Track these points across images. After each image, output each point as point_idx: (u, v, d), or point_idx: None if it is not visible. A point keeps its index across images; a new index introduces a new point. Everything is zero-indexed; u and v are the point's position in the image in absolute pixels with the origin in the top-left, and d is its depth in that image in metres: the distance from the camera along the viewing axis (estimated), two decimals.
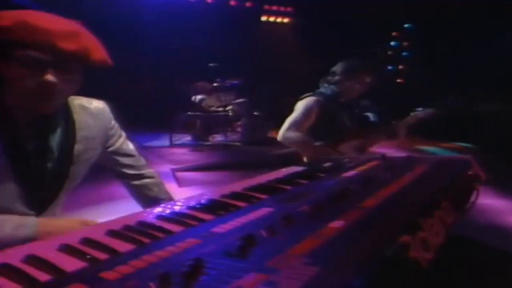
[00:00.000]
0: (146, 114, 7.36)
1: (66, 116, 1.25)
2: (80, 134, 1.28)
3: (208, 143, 7.18)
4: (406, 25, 11.06)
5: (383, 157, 1.57)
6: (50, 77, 1.05)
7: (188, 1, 9.40)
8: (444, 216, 0.85)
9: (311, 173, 1.37)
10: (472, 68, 7.92)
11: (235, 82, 7.44)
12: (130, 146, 1.49)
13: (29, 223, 1.11)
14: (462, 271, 1.09)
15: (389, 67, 11.43)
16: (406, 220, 0.76)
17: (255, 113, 7.27)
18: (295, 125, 2.71)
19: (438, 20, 8.75)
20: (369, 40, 10.54)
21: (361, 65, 2.85)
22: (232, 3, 10.10)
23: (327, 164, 1.51)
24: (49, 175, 1.20)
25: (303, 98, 2.81)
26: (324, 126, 2.74)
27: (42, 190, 1.20)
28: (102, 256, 0.68)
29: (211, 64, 7.12)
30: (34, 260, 0.64)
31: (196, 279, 0.56)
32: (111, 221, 0.92)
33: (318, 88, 2.90)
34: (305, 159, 2.78)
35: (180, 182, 4.88)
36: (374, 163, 1.48)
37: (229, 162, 5.87)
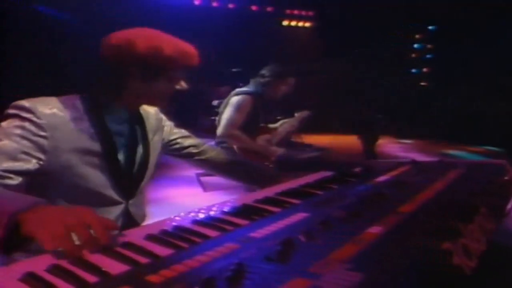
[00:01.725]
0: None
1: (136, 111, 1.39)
2: (147, 123, 1.40)
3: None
4: (430, 27, 10.89)
5: (414, 161, 1.55)
6: (185, 84, 1.33)
7: (210, 6, 9.50)
8: (483, 222, 0.84)
9: (341, 178, 1.36)
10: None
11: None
12: (182, 130, 1.61)
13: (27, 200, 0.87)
14: (499, 279, 1.06)
15: (413, 70, 11.26)
16: (445, 226, 0.75)
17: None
18: (234, 122, 2.95)
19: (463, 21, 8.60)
20: (391, 43, 10.43)
21: (289, 69, 3.21)
22: (254, 8, 10.14)
23: (357, 169, 1.50)
24: (135, 166, 1.32)
25: (237, 94, 3.10)
26: (249, 120, 3.03)
27: (130, 179, 1.31)
28: (143, 260, 0.70)
29: (234, 69, 7.15)
30: (80, 262, 0.66)
31: (239, 283, 0.57)
32: (148, 225, 0.94)
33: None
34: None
35: (205, 187, 4.91)
36: (405, 167, 1.46)
37: None
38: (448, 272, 0.59)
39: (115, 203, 1.26)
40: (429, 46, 11.10)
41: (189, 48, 1.29)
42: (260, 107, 3.14)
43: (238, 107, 3.00)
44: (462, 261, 0.63)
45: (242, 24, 9.32)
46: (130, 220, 1.30)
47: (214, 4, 9.59)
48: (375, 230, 0.75)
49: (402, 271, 0.56)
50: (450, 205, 0.93)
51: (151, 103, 1.36)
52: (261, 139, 3.09)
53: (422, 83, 11.18)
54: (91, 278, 0.61)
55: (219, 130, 3.02)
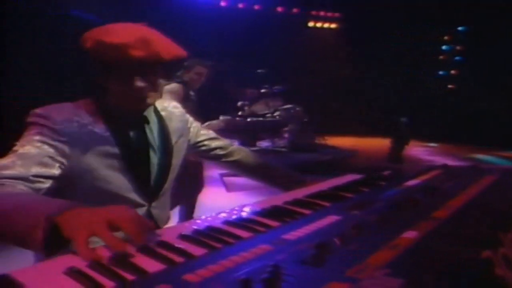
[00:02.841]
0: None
1: (155, 112, 1.37)
2: (171, 125, 1.38)
3: (255, 148, 7.21)
4: (459, 28, 10.65)
5: (445, 166, 1.53)
6: (138, 83, 1.18)
7: (236, 8, 9.55)
8: None
9: (371, 181, 1.35)
10: None
11: (282, 88, 7.44)
12: (210, 131, 1.59)
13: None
14: None
15: (441, 72, 11.03)
16: (484, 233, 0.73)
17: (304, 119, 7.24)
18: None
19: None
20: (419, 44, 10.25)
21: (193, 60, 3.64)
22: (279, 9, 10.14)
23: (386, 172, 1.49)
24: (154, 168, 1.31)
25: (166, 85, 3.34)
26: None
27: (150, 182, 1.30)
28: (178, 259, 0.70)
29: (259, 70, 7.17)
30: (118, 259, 0.67)
31: (276, 286, 0.57)
32: (181, 225, 0.95)
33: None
34: None
35: (228, 187, 4.94)
36: (436, 172, 1.43)
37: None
38: (491, 284, 0.57)
39: (137, 205, 1.26)
40: (458, 47, 10.85)
41: (115, 38, 1.13)
42: (189, 96, 3.62)
43: (171, 92, 3.38)
44: (505, 272, 0.61)
45: (268, 26, 9.32)
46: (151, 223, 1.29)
47: (240, 5, 9.63)
48: (410, 235, 0.74)
49: (443, 279, 0.55)
50: (485, 212, 0.90)
51: (118, 101, 1.23)
52: None
53: (450, 86, 10.94)
54: (129, 276, 0.62)
55: None
